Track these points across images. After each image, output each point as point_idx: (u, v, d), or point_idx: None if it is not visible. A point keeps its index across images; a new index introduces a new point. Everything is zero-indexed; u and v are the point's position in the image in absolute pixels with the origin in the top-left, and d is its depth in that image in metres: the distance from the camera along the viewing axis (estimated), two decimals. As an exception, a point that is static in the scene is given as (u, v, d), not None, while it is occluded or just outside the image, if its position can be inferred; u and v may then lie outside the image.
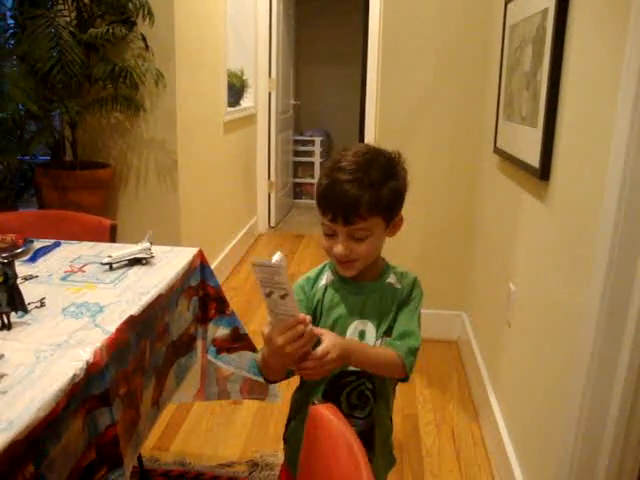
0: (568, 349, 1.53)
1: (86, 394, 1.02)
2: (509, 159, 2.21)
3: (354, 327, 1.26)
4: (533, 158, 1.84)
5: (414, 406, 2.58)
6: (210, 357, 1.66)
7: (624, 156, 1.24)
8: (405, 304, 1.31)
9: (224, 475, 2.09)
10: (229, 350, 1.66)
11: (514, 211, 2.17)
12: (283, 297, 0.99)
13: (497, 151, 2.44)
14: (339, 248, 1.18)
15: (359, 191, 1.14)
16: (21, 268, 1.51)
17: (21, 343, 1.10)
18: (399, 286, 1.31)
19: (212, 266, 3.66)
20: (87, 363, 1.02)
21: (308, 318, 1.06)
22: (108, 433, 1.07)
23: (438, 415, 2.52)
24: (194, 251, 1.61)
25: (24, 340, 1.11)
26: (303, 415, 1.12)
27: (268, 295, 0.99)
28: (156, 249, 1.61)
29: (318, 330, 1.12)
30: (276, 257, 1.00)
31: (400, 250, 3.09)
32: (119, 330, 1.14)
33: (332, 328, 1.24)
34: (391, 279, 1.31)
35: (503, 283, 2.26)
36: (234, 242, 4.36)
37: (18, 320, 1.20)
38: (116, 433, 1.09)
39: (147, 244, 1.53)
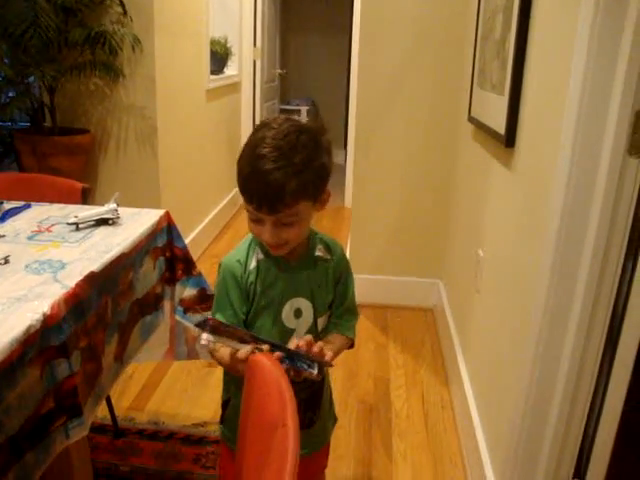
0: (526, 310, 1.57)
1: (43, 345, 1.06)
2: (481, 127, 2.24)
3: (289, 306, 1.26)
4: (500, 125, 1.86)
5: (386, 371, 2.63)
6: (178, 317, 1.70)
7: (574, 124, 1.27)
8: (342, 276, 1.35)
9: (196, 434, 2.15)
10: (196, 310, 1.70)
11: (484, 179, 2.21)
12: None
13: (471, 120, 2.46)
14: (266, 235, 1.15)
15: (283, 180, 1.09)
16: (-10, 228, 1.53)
17: (-19, 297, 1.13)
18: (329, 257, 1.32)
19: (193, 234, 3.72)
20: (44, 315, 1.06)
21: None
22: (67, 383, 1.11)
23: (409, 380, 2.58)
24: (160, 212, 1.63)
25: (-15, 294, 1.14)
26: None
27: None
28: (123, 211, 1.64)
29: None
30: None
31: (377, 218, 3.15)
32: (78, 285, 1.17)
33: (266, 309, 1.24)
34: (319, 251, 1.31)
35: (473, 250, 2.30)
36: (216, 210, 4.38)
37: (-19, 276, 1.23)
38: (75, 383, 1.12)
39: (114, 205, 1.55)
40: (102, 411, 2.21)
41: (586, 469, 1.55)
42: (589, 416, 1.48)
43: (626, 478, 1.58)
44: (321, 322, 1.33)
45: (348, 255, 3.29)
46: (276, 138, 1.11)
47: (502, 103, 1.85)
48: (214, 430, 2.15)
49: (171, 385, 2.46)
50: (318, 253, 1.31)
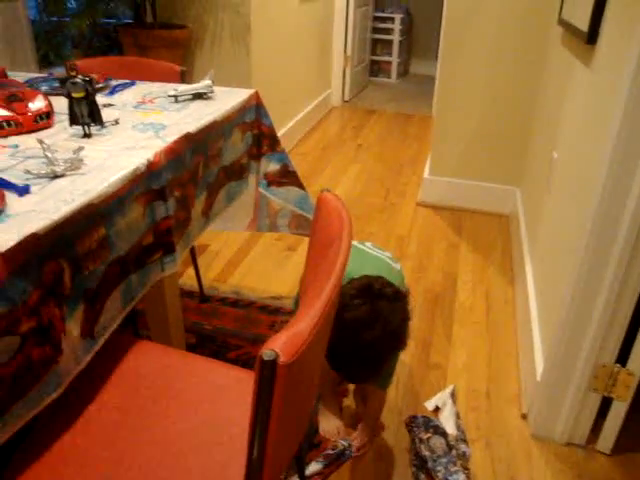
0: (587, 203, 1.64)
1: (147, 186, 1.25)
2: (568, 29, 2.23)
3: None
4: (584, 23, 1.87)
5: (455, 266, 2.76)
6: (261, 189, 1.87)
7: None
8: None
9: (272, 305, 2.37)
10: (278, 184, 1.87)
11: (566, 80, 2.22)
12: None
13: (561, 22, 2.44)
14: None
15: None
16: (101, 99, 1.73)
17: (97, 146, 1.33)
18: None
19: (282, 131, 3.88)
20: (148, 161, 1.24)
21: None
22: (163, 223, 1.31)
23: (476, 276, 2.69)
24: (251, 91, 1.78)
25: (100, 144, 1.34)
26: None
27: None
28: (217, 89, 1.80)
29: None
30: None
31: (460, 123, 3.19)
32: (176, 142, 1.35)
33: None
34: None
35: (549, 153, 2.34)
36: (306, 111, 4.51)
37: (96, 132, 1.43)
38: (170, 225, 1.32)
39: (209, 82, 1.71)
40: (190, 279, 2.47)
41: (628, 355, 1.65)
42: (637, 306, 1.57)
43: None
44: None
45: (429, 159, 3.37)
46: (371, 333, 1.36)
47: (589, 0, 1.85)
48: (289, 303, 2.37)
49: (253, 264, 2.69)
50: None
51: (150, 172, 1.25)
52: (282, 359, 0.64)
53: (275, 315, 2.32)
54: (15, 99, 1.48)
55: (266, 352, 0.64)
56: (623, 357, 1.66)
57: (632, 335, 1.61)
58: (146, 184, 1.24)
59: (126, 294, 1.23)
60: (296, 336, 0.66)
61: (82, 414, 1.12)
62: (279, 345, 0.65)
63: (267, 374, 0.65)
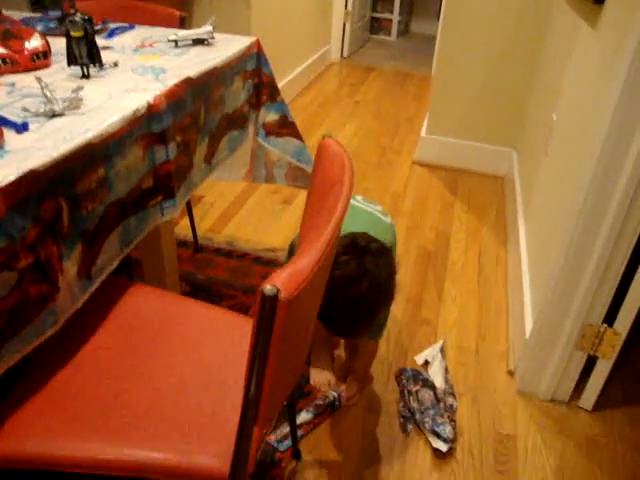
0: (584, 164, 1.64)
1: (147, 129, 1.24)
2: (575, -12, 2.20)
3: None
4: (592, -19, 1.84)
5: (449, 225, 2.77)
6: (259, 139, 1.86)
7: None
8: None
9: (266, 257, 2.39)
10: (277, 134, 1.86)
11: (570, 41, 2.20)
12: None
13: (567, -19, 2.40)
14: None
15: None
16: (99, 42, 1.69)
17: (97, 87, 1.31)
18: None
19: (280, 84, 3.83)
20: (148, 103, 1.23)
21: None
22: (163, 167, 1.30)
23: (470, 236, 2.71)
24: (252, 39, 1.76)
25: (99, 86, 1.32)
26: None
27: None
28: (218, 36, 1.77)
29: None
30: None
31: (459, 83, 3.16)
32: (176, 85, 1.34)
33: None
34: None
35: (548, 114, 2.33)
36: (304, 66, 4.45)
37: (95, 74, 1.41)
38: (170, 169, 1.31)
39: (210, 28, 1.68)
40: (185, 229, 2.47)
41: (615, 316, 1.68)
42: (626, 267, 1.59)
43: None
44: None
45: (427, 118, 3.35)
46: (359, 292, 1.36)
47: (599, -43, 1.82)
48: (283, 255, 2.38)
49: (247, 215, 2.69)
50: None
51: (150, 114, 1.24)
52: (283, 295, 0.65)
53: (268, 266, 2.33)
54: (11, 36, 1.45)
55: (267, 287, 0.65)
56: (610, 317, 1.68)
57: (620, 296, 1.64)
58: (146, 127, 1.23)
59: (124, 237, 1.23)
60: (297, 273, 0.67)
61: (78, 353, 1.13)
62: (280, 281, 0.65)
63: (268, 309, 0.66)
